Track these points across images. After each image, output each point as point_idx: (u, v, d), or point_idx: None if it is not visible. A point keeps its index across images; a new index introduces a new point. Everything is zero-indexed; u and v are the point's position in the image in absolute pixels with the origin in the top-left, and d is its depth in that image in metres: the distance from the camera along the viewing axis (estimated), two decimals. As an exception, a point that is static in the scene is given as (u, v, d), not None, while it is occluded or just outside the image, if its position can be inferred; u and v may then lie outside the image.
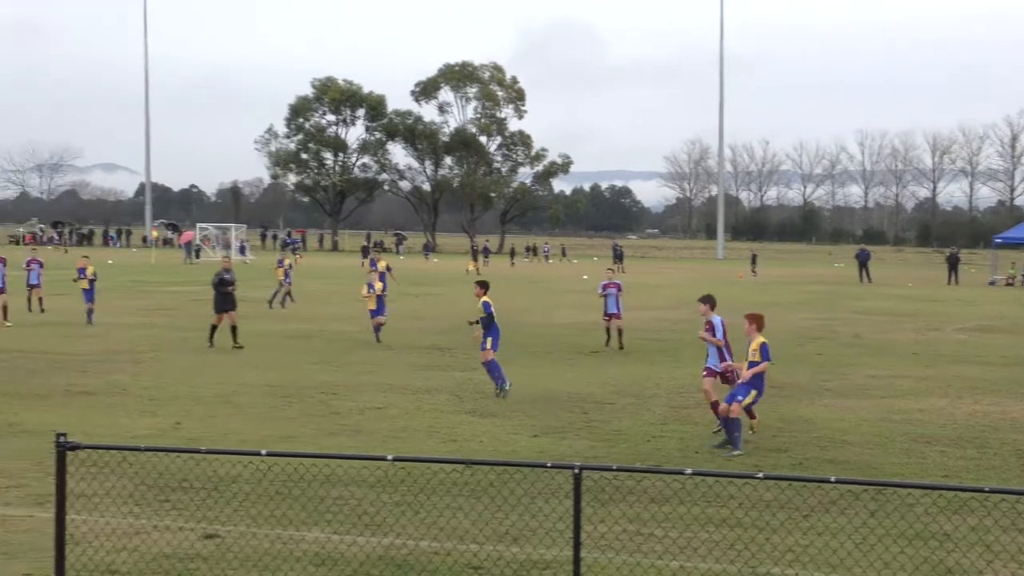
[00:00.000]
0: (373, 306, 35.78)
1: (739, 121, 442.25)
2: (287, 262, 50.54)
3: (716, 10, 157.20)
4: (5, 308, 38.69)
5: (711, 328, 20.50)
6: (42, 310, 42.62)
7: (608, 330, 34.61)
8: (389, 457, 10.05)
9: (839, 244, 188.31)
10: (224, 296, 33.53)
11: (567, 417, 22.11)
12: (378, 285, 36.42)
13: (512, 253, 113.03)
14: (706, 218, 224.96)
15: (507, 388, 24.44)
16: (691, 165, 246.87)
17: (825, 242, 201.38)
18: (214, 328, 33.24)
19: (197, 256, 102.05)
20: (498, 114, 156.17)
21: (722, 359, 20.33)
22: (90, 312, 40.08)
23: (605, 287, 34.77)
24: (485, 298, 25.18)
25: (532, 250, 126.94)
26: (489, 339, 24.74)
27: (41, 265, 43.75)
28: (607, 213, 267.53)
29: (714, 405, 20.04)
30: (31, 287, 43.34)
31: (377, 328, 35.13)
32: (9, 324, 37.62)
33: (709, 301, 21.03)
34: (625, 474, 15.38)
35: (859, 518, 13.84)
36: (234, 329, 33.21)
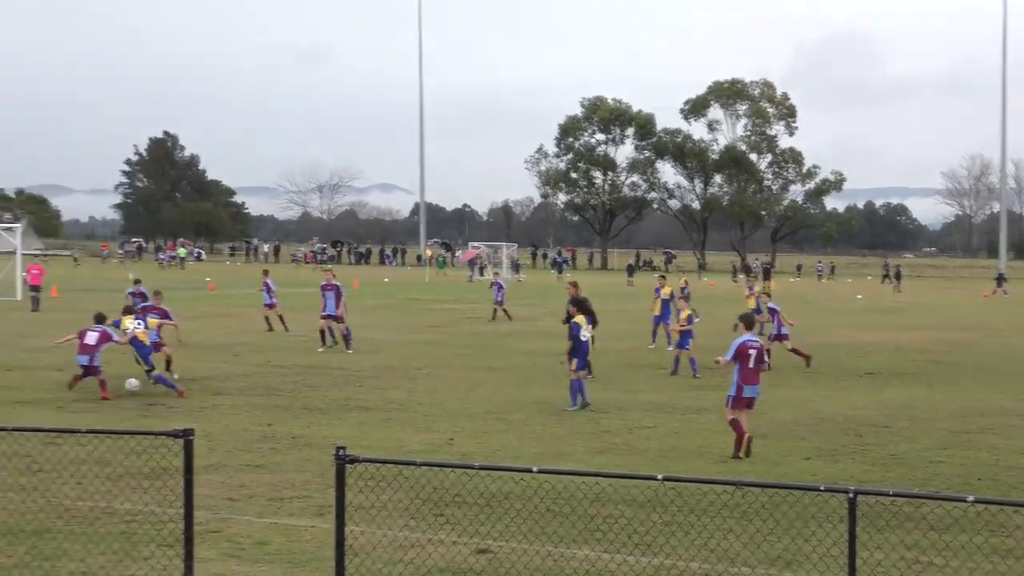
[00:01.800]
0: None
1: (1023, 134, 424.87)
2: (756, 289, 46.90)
3: (998, 19, 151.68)
4: (281, 318, 42.17)
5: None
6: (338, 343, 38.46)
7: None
8: (659, 477, 9.99)
9: None
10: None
11: (840, 440, 21.60)
12: (685, 313, 32.55)
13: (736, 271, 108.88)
14: (987, 236, 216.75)
15: (574, 408, 24.75)
16: (971, 181, 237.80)
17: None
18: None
19: (481, 274, 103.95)
20: (768, 131, 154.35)
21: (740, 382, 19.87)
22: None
23: None
24: (577, 319, 25.76)
25: (759, 270, 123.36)
26: (574, 360, 25.24)
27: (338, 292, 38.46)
28: (881, 231, 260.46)
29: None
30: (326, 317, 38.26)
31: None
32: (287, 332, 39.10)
33: (745, 320, 20.67)
34: (902, 500, 14.90)
35: None
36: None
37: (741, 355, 19.78)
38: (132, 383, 26.06)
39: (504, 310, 52.02)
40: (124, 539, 13.62)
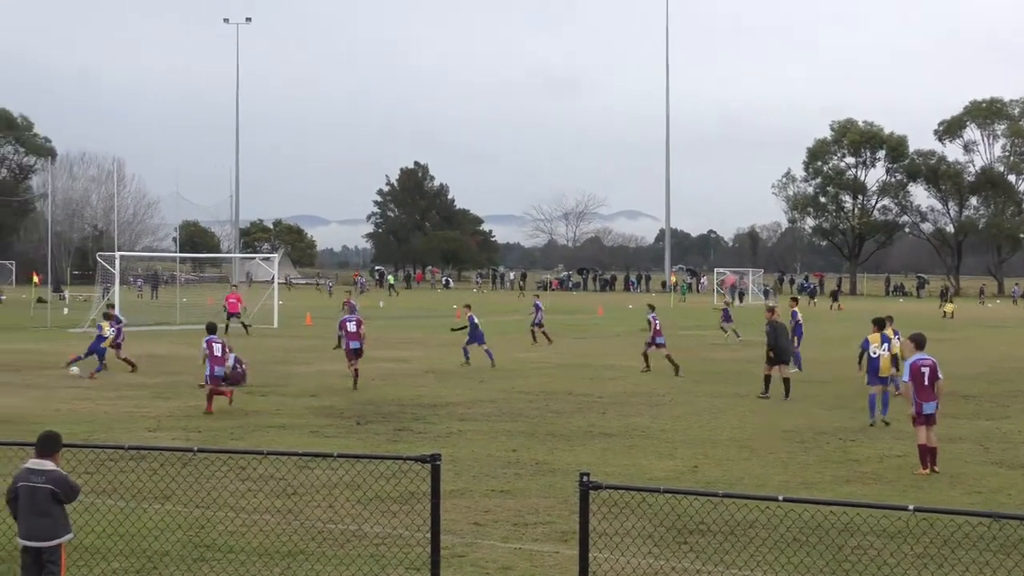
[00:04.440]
0: None
1: None
2: None
3: None
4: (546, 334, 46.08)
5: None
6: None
7: None
8: (911, 507, 9.72)
9: None
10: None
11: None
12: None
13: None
14: None
15: (872, 423, 26.31)
16: None
17: None
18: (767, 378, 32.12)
19: (740, 300, 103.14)
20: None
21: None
22: (488, 352, 40.45)
23: None
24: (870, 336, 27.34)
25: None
26: (867, 375, 27.18)
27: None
28: None
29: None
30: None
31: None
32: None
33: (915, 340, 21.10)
34: None
35: None
36: (787, 382, 31.77)
37: (914, 374, 20.45)
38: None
39: (544, 333, 51.10)
40: (373, 562, 13.93)
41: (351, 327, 34.23)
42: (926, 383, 20.40)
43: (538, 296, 57.30)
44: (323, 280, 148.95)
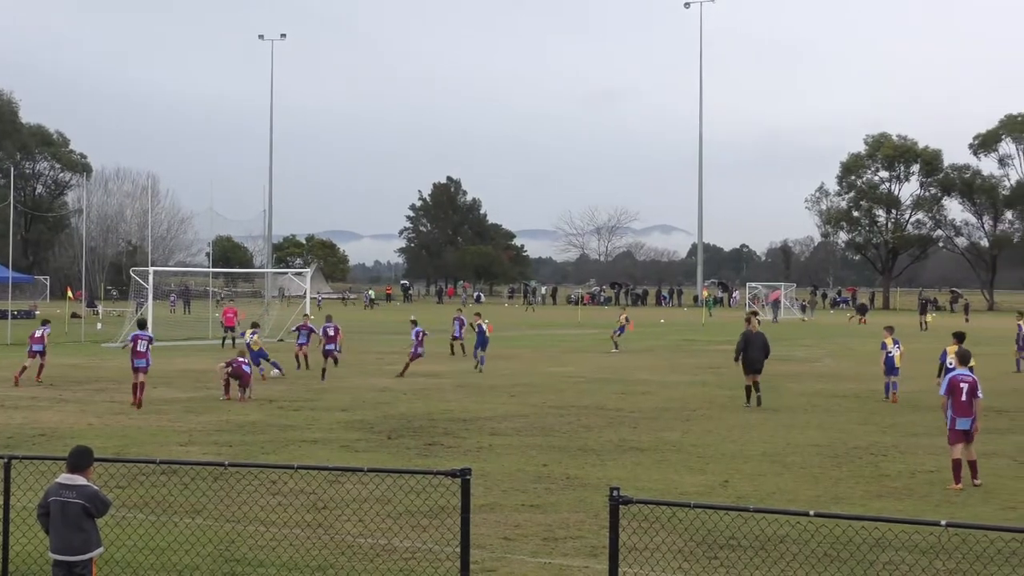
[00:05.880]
0: None
1: None
2: None
3: None
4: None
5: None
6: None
7: None
8: (943, 523, 9.69)
9: None
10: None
11: None
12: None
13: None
14: None
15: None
16: None
17: None
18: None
19: (775, 317, 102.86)
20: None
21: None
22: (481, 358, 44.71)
23: None
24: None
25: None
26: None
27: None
28: None
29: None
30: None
31: None
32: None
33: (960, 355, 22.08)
34: None
35: None
36: (756, 387, 33.45)
37: (953, 388, 20.66)
38: None
39: (461, 344, 52.66)
40: None
41: (330, 332, 42.23)
42: (963, 398, 20.50)
43: (460, 311, 59.65)
44: (352, 294, 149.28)
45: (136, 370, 32.69)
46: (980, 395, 20.73)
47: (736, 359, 33.81)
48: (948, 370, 27.71)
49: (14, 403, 32.32)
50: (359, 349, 53.06)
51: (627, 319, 60.31)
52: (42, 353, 39.13)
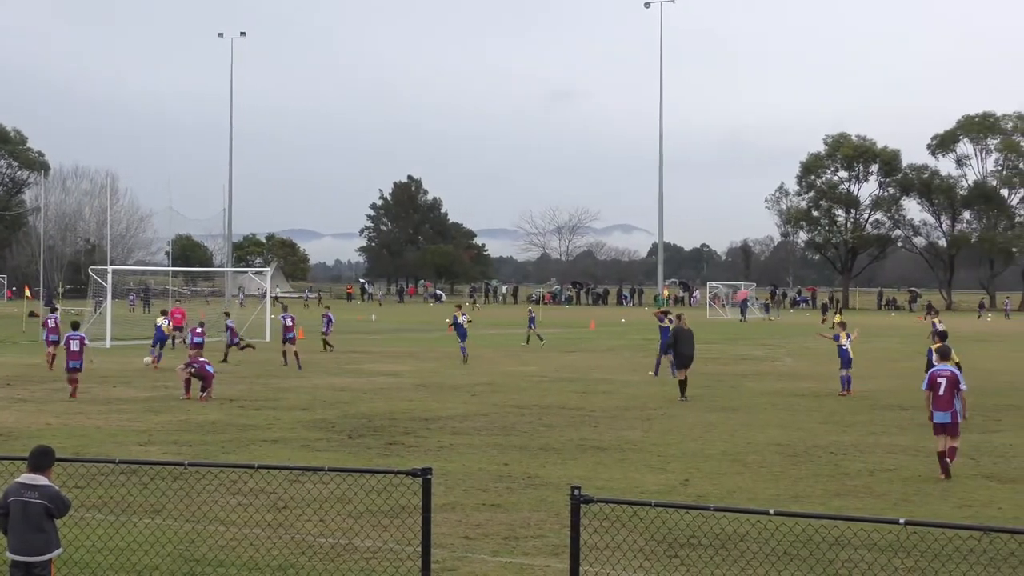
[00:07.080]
0: None
1: None
2: None
3: None
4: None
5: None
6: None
7: None
8: (901, 521, 9.76)
9: None
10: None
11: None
12: None
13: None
14: None
15: None
16: None
17: None
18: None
19: (743, 316, 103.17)
20: (1022, 165, 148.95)
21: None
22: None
23: None
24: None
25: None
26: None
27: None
28: None
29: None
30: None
31: None
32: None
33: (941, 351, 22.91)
34: None
35: None
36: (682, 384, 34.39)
37: (931, 384, 21.52)
38: None
39: (328, 342, 53.93)
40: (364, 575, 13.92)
41: (287, 323, 45.58)
42: (941, 393, 21.26)
43: (328, 308, 62.79)
44: (311, 294, 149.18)
45: (71, 370, 33.02)
46: (963, 387, 21.50)
47: (665, 353, 35.98)
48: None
49: (-29, 403, 32.06)
50: (317, 349, 52.90)
51: (531, 311, 66.47)
52: (56, 343, 41.85)
